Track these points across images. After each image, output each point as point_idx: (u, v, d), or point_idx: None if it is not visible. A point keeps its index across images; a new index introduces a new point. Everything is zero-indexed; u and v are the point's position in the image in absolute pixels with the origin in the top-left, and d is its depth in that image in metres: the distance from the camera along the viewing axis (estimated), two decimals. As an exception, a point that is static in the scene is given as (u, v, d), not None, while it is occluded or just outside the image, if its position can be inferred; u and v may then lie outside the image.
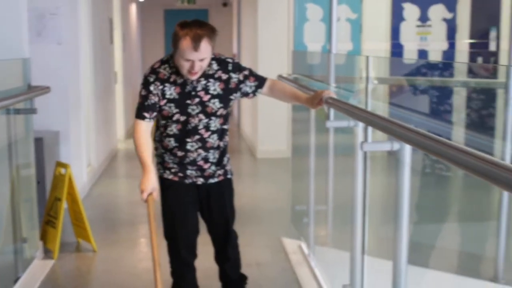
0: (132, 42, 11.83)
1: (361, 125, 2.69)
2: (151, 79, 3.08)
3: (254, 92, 3.23)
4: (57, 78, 5.51)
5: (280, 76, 4.55)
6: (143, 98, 3.08)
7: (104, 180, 7.07)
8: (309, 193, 4.38)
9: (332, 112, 3.20)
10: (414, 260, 3.70)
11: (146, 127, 3.09)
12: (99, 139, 7.46)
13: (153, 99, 3.07)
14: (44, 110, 5.00)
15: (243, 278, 3.58)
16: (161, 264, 3.71)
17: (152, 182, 3.00)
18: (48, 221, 4.59)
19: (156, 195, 3.04)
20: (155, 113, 3.10)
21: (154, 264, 2.95)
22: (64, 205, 4.50)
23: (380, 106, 3.50)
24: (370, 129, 2.45)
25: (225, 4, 14.56)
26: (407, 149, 2.19)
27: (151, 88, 3.07)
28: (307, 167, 4.43)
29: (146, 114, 3.07)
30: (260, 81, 3.23)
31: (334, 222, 4.24)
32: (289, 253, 4.50)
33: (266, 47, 8.09)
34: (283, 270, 4.22)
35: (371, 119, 2.39)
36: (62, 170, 4.56)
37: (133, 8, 12.26)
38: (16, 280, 3.89)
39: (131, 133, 3.29)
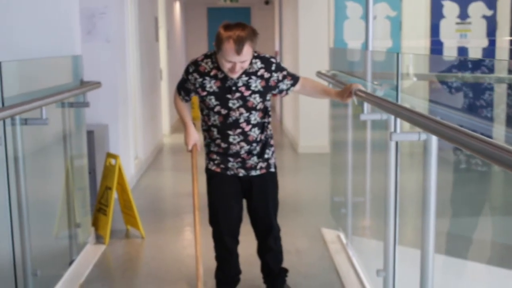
0: (176, 40, 12.08)
1: (392, 117, 2.82)
2: (191, 69, 3.35)
3: (287, 90, 3.43)
4: (106, 74, 5.75)
5: (318, 73, 4.70)
6: (182, 80, 3.46)
7: (151, 173, 7.32)
8: (347, 186, 4.52)
9: (366, 106, 3.35)
10: (453, 252, 3.83)
11: (182, 99, 3.54)
12: (146, 133, 7.70)
13: (188, 86, 3.42)
14: (94, 104, 5.24)
15: (284, 271, 3.72)
16: (206, 248, 3.92)
17: (194, 136, 3.52)
18: (99, 208, 4.85)
19: (199, 146, 3.52)
20: (186, 97, 3.51)
21: (196, 255, 3.44)
22: (115, 194, 4.75)
23: (418, 103, 3.62)
24: (398, 120, 2.58)
25: (267, 2, 14.72)
26: (434, 139, 2.33)
27: (189, 77, 3.37)
28: (345, 160, 4.56)
29: (181, 92, 3.51)
30: (295, 79, 3.43)
31: (371, 213, 4.37)
32: (328, 242, 4.66)
33: (307, 44, 8.24)
34: (321, 257, 4.39)
35: (396, 110, 2.53)
36: (112, 161, 4.80)
37: (177, 6, 12.50)
38: (70, 263, 4.15)
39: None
